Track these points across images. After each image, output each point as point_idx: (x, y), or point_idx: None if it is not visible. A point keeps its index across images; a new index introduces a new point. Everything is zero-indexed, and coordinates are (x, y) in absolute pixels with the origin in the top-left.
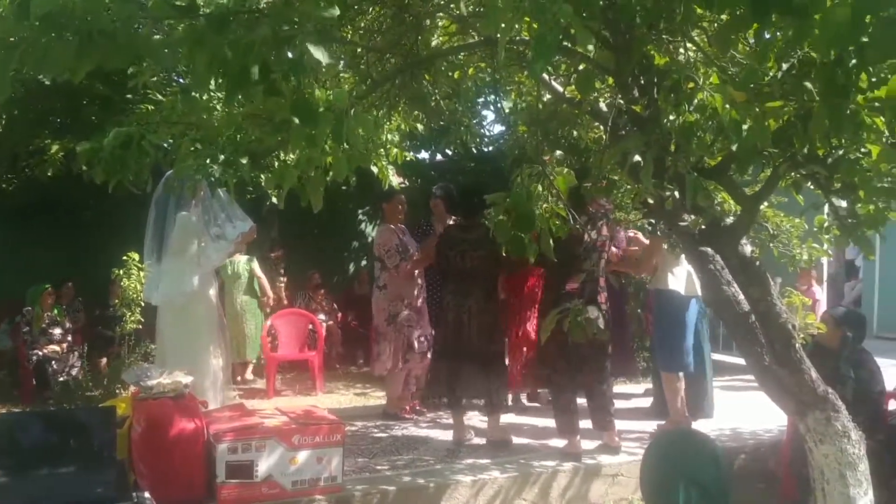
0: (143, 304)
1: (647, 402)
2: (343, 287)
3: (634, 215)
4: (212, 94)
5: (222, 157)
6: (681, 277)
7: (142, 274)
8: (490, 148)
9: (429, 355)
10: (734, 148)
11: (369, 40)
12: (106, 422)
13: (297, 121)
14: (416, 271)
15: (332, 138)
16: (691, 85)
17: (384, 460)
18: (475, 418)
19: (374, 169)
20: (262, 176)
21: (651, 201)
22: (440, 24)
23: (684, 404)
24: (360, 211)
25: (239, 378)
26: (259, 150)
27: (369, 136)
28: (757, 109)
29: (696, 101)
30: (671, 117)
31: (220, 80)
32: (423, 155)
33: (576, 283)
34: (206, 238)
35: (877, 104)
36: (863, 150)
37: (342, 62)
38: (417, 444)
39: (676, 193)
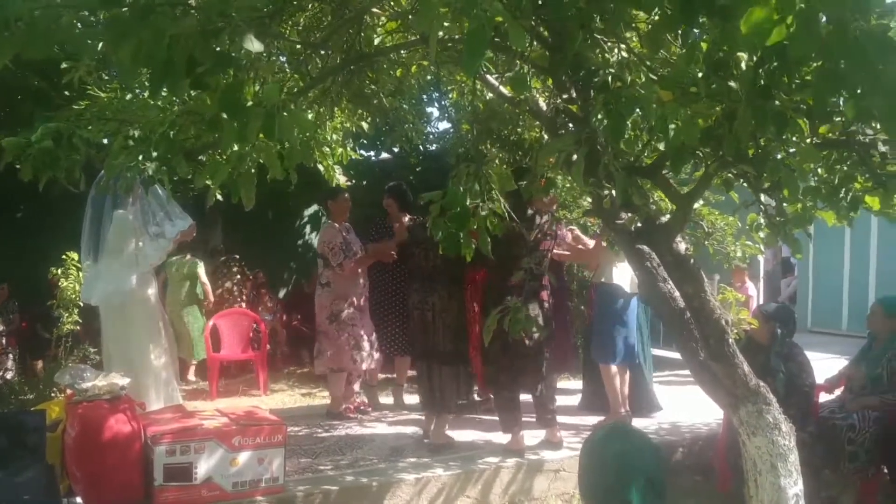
0: (81, 304)
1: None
2: (290, 286)
3: (577, 213)
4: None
5: (156, 153)
6: (626, 273)
7: (80, 274)
8: (436, 146)
9: (375, 355)
10: (661, 146)
11: (308, 37)
12: (35, 425)
13: (225, 116)
14: (360, 270)
15: (263, 134)
16: (619, 84)
17: (327, 460)
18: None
19: (321, 167)
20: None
21: (590, 200)
22: (381, 21)
23: (625, 399)
24: (306, 210)
25: (181, 379)
26: (195, 148)
27: (304, 133)
28: (685, 109)
29: (623, 99)
30: (600, 116)
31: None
32: (371, 153)
33: (518, 282)
34: (143, 237)
35: (802, 106)
36: (788, 149)
37: (281, 58)
38: (361, 443)
39: (613, 192)
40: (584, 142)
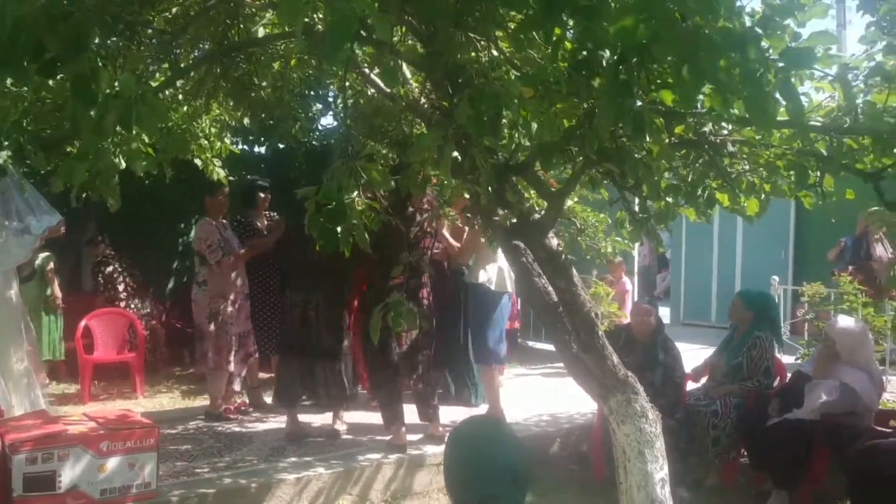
0: None
1: None
2: (170, 284)
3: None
4: None
5: (7, 143)
6: (492, 273)
7: None
8: (323, 142)
9: (255, 354)
10: (527, 143)
11: (178, 26)
12: None
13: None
14: (238, 268)
15: (120, 126)
16: (483, 80)
17: (204, 462)
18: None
19: (199, 161)
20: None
21: (467, 196)
22: (255, 11)
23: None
24: (188, 206)
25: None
26: (52, 140)
27: (164, 124)
28: (548, 107)
29: (485, 95)
30: (465, 111)
31: None
32: (256, 149)
33: (399, 279)
34: (5, 233)
35: (660, 107)
36: (645, 148)
37: (151, 47)
38: (241, 444)
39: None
40: (450, 137)
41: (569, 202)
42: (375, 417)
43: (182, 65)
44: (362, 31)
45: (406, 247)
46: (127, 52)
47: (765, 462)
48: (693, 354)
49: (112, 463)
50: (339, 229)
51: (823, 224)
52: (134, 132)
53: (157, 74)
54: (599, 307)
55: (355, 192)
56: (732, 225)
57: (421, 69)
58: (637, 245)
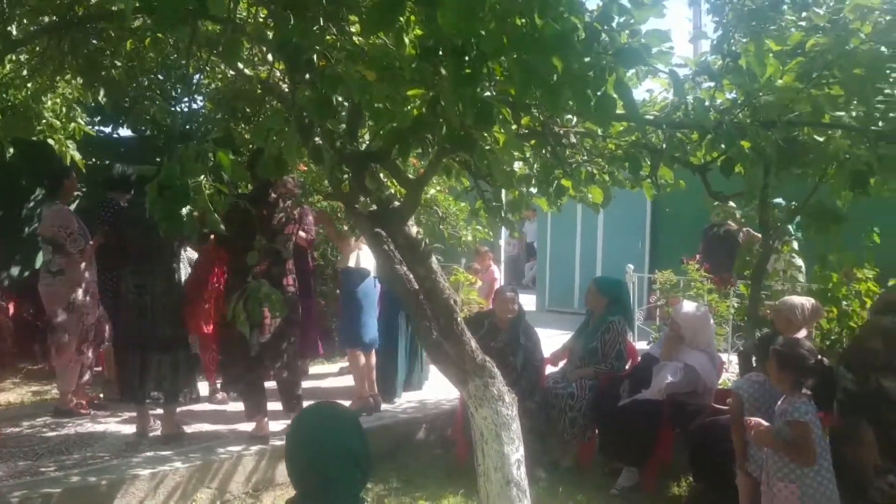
0: None
1: (342, 380)
2: (21, 274)
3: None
4: None
5: None
6: (363, 259)
7: None
8: (186, 126)
9: (108, 340)
10: (371, 124)
11: None
12: None
13: None
14: (91, 256)
15: None
16: (323, 63)
17: (51, 461)
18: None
19: (52, 142)
20: None
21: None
22: None
23: (372, 383)
24: (38, 189)
25: None
26: None
27: None
28: (394, 92)
29: (326, 77)
30: (307, 94)
31: None
32: (123, 133)
33: (262, 266)
34: None
35: (509, 98)
36: (493, 138)
37: None
38: (93, 440)
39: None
40: (292, 120)
41: (432, 191)
42: (231, 408)
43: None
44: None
45: (262, 232)
46: None
47: (616, 440)
48: (558, 340)
49: None
50: (183, 212)
51: (677, 215)
52: None
53: None
54: (459, 294)
55: (202, 176)
56: (594, 217)
57: (270, 50)
58: (507, 234)
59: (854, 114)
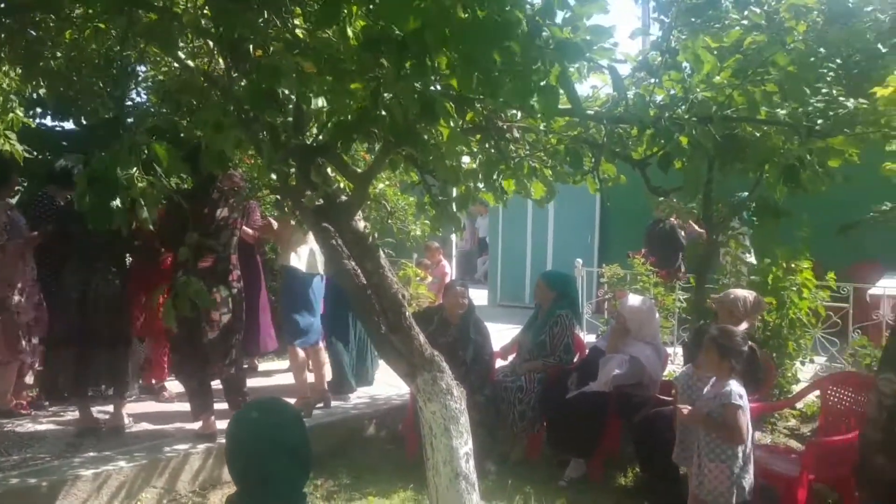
0: None
1: (292, 378)
2: None
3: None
4: None
5: None
6: (303, 255)
7: None
8: (131, 119)
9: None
10: (309, 112)
11: None
12: None
13: None
14: (26, 253)
15: None
16: (259, 53)
17: None
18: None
19: None
20: None
21: (274, 177)
22: None
23: (321, 379)
24: None
25: None
26: None
27: None
28: (335, 84)
29: (262, 68)
30: (243, 83)
31: None
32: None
33: (207, 262)
34: None
35: (452, 93)
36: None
37: None
38: (32, 441)
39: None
40: (230, 112)
41: (381, 185)
42: (177, 407)
43: None
44: None
45: (198, 228)
46: None
47: (564, 432)
48: (509, 334)
49: None
50: (114, 206)
51: (625, 210)
52: None
53: None
54: (408, 289)
55: (135, 168)
56: (545, 212)
57: (211, 41)
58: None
59: (787, 110)
